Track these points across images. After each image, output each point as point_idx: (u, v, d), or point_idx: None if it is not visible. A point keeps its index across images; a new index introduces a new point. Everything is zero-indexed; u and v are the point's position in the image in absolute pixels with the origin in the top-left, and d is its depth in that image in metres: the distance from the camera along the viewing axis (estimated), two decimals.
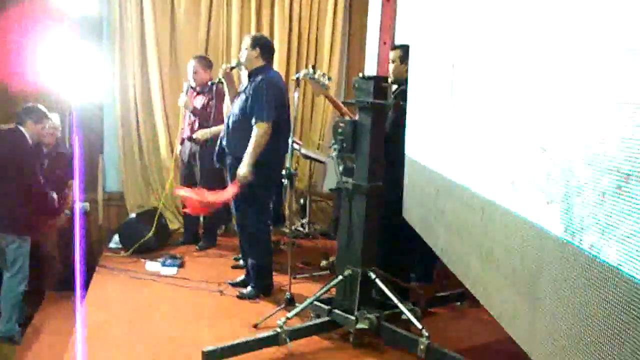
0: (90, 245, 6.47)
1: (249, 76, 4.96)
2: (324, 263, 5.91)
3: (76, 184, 5.99)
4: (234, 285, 5.23)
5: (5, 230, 4.97)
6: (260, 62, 4.94)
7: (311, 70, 4.45)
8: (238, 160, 4.78)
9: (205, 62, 6.36)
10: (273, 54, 5.20)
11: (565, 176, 1.78)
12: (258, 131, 4.72)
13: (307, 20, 7.39)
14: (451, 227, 3.17)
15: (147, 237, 6.16)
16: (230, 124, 4.96)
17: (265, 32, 7.14)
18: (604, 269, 1.55)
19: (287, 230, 6.24)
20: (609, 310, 1.52)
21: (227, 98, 5.23)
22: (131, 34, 7.04)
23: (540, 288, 1.94)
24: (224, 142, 5.02)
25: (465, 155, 2.89)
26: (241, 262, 5.62)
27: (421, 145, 3.94)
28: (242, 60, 4.97)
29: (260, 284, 5.01)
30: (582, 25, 1.75)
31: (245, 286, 5.13)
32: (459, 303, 4.90)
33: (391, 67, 4.74)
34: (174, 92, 6.95)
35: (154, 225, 6.21)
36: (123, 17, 7.02)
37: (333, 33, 7.46)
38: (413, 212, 4.12)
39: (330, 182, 7.49)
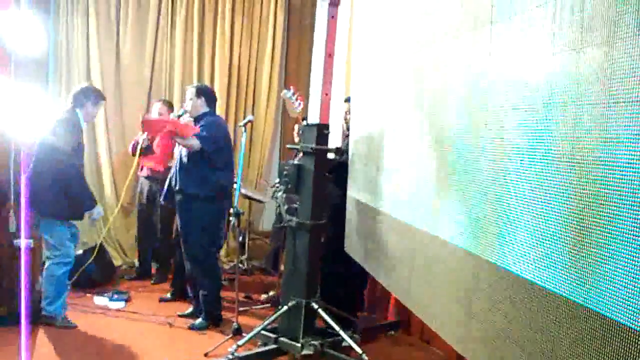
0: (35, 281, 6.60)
1: (195, 121, 5.25)
2: (264, 297, 6.22)
3: (23, 223, 6.17)
4: (183, 316, 5.48)
5: (49, 215, 5.30)
6: (205, 109, 5.31)
7: (290, 92, 4.80)
8: (188, 196, 5.15)
9: (169, 105, 6.75)
10: (216, 101, 5.53)
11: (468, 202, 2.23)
12: (194, 142, 5.01)
13: (246, 65, 7.81)
14: (392, 256, 3.60)
15: (88, 263, 6.18)
16: (179, 164, 5.26)
17: (206, 73, 7.55)
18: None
19: (226, 267, 6.58)
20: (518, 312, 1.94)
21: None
22: (77, 70, 7.28)
23: (474, 300, 2.37)
24: (173, 181, 5.30)
25: (399, 194, 3.35)
26: (169, 295, 6.05)
27: (362, 186, 4.38)
28: (188, 108, 5.29)
29: (210, 315, 5.28)
30: None
31: (194, 317, 5.39)
32: (392, 332, 5.29)
33: (348, 117, 5.19)
34: (118, 131, 7.25)
35: (94, 253, 6.35)
36: (69, 53, 7.28)
37: (270, 77, 7.89)
38: (355, 246, 4.53)
39: (267, 220, 7.82)
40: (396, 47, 3.62)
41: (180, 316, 5.49)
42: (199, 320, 5.30)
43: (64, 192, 5.22)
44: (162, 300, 5.68)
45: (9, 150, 6.85)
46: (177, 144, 5.61)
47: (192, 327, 5.25)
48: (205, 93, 5.35)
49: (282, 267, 5.77)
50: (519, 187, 2.08)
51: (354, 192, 4.63)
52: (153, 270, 6.94)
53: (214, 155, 5.11)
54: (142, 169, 6.68)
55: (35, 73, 6.88)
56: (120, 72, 7.47)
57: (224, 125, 5.49)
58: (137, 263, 7.10)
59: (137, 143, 6.34)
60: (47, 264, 5.40)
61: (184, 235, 5.28)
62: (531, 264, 2.00)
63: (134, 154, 6.46)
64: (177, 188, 5.25)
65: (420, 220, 3.01)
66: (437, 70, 2.86)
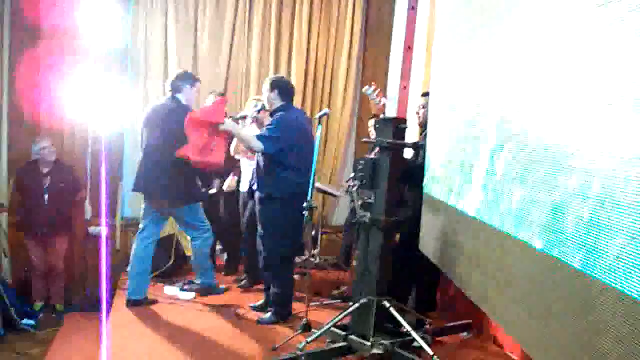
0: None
1: (271, 115, 5.21)
2: (335, 292, 6.12)
3: (103, 209, 6.31)
4: (255, 308, 5.45)
5: (179, 203, 5.55)
6: (279, 102, 5.18)
7: (371, 89, 4.68)
8: (262, 197, 5.14)
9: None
10: (291, 94, 5.31)
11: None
12: (255, 143, 4.98)
13: (323, 60, 7.75)
14: (468, 257, 3.44)
15: (167, 265, 6.46)
16: (256, 163, 5.23)
17: (283, 71, 7.49)
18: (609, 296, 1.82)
19: (299, 260, 6.52)
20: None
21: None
22: (154, 65, 7.37)
23: (553, 313, 2.21)
24: (255, 178, 5.26)
25: (483, 193, 3.17)
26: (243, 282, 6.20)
27: (440, 183, 4.22)
28: (265, 102, 5.28)
29: (279, 311, 5.21)
30: None
31: (264, 310, 5.36)
32: (465, 333, 5.13)
33: (422, 112, 5.04)
34: None
35: (172, 252, 6.47)
36: (147, 48, 7.36)
37: (347, 72, 7.81)
38: (430, 245, 4.38)
39: (341, 215, 7.75)
40: (490, 36, 3.40)
41: (252, 308, 5.47)
42: (268, 314, 5.26)
43: (196, 175, 5.54)
44: (253, 308, 5.57)
45: (87, 139, 7.02)
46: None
47: (259, 321, 5.22)
48: (279, 86, 5.18)
49: (354, 263, 5.67)
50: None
51: (431, 189, 4.48)
52: (218, 262, 6.92)
53: (281, 155, 5.00)
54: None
55: (113, 66, 7.01)
56: (197, 66, 7.50)
57: (296, 122, 5.16)
58: None
59: None
60: (194, 244, 5.76)
61: (260, 234, 5.25)
62: (624, 273, 1.83)
63: None
64: (254, 188, 5.24)
65: (503, 222, 2.85)
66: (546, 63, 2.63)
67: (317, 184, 6.75)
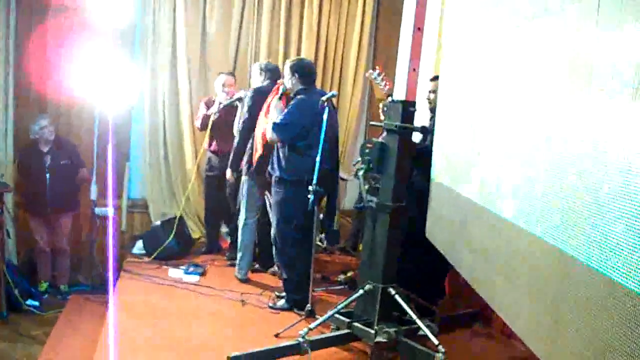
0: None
1: (292, 98, 5.19)
2: (341, 278, 6.04)
3: (109, 190, 6.27)
4: (280, 297, 5.31)
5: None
6: (299, 86, 5.16)
7: (376, 72, 4.58)
8: (276, 179, 5.10)
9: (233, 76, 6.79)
10: (311, 76, 5.31)
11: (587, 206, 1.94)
12: (270, 135, 5.03)
13: (334, 41, 7.61)
14: (477, 249, 3.32)
15: (168, 241, 6.36)
16: (275, 149, 5.18)
17: (293, 51, 7.37)
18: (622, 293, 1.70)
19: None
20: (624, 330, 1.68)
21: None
22: (163, 43, 7.27)
23: (563, 309, 2.09)
24: (273, 161, 5.21)
25: (494, 181, 3.04)
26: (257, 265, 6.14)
27: (449, 170, 4.09)
28: (288, 85, 5.22)
29: (293, 298, 5.12)
30: None
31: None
32: (476, 323, 5.03)
33: (431, 96, 4.93)
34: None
35: (173, 229, 6.41)
36: (156, 26, 7.25)
37: (358, 55, 7.68)
38: (437, 232, 4.26)
39: (349, 199, 7.65)
40: (505, 17, 3.24)
41: (278, 296, 5.34)
42: (282, 301, 5.19)
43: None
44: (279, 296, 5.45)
45: (94, 118, 6.95)
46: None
47: (271, 306, 5.16)
48: (299, 69, 5.17)
49: (361, 248, 5.58)
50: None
51: (439, 175, 4.35)
52: (225, 245, 6.85)
53: (295, 140, 5.01)
54: (210, 144, 6.61)
55: (121, 44, 6.91)
56: (206, 45, 7.41)
57: (310, 106, 5.02)
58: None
59: (207, 117, 6.33)
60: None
61: (273, 219, 5.22)
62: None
63: (203, 129, 6.45)
64: (271, 171, 5.22)
65: (514, 214, 2.71)
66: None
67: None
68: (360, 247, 5.86)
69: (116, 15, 6.71)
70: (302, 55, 7.27)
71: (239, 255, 5.84)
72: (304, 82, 5.15)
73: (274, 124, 4.99)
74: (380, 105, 5.83)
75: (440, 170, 4.29)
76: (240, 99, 5.99)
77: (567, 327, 2.07)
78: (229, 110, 6.29)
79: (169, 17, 7.23)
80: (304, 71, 5.20)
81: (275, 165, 5.11)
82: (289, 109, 5.05)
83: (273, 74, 5.85)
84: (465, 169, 3.62)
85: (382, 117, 5.75)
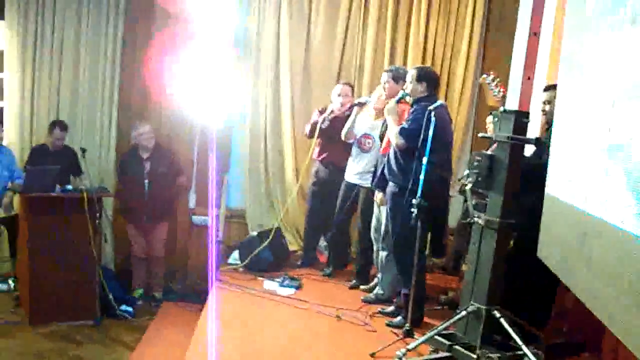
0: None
1: (412, 104, 4.97)
2: (443, 298, 5.76)
3: (212, 199, 6.26)
4: (385, 314, 5.15)
5: None
6: (424, 94, 4.94)
7: (490, 77, 4.40)
8: (400, 189, 4.82)
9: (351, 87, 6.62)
10: (436, 84, 5.16)
11: None
12: (396, 140, 4.83)
13: (441, 51, 7.35)
14: (598, 270, 3.01)
15: (260, 249, 6.26)
16: (393, 152, 4.98)
17: (399, 61, 7.16)
18: None
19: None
20: None
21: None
22: (266, 53, 7.23)
23: None
24: (386, 170, 5.02)
25: (622, 196, 2.74)
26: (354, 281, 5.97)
27: (567, 184, 3.77)
28: (408, 91, 4.98)
29: (411, 315, 4.76)
30: None
31: (394, 315, 5.06)
32: (586, 354, 4.66)
33: (547, 107, 4.60)
34: (303, 116, 7.07)
35: (269, 239, 6.31)
36: (260, 37, 7.22)
37: (467, 65, 7.37)
38: (551, 251, 3.95)
39: (453, 216, 7.34)
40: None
41: (382, 313, 5.17)
42: (399, 318, 4.94)
43: None
44: (383, 313, 5.23)
45: (196, 127, 6.97)
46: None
47: (389, 324, 4.94)
48: (428, 78, 4.96)
49: (464, 268, 5.34)
50: None
51: (555, 190, 4.02)
52: (322, 260, 6.70)
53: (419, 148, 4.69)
54: (320, 154, 6.46)
55: (224, 56, 6.91)
56: (310, 54, 7.31)
57: (445, 118, 4.89)
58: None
59: (316, 124, 6.17)
60: None
61: (393, 233, 4.97)
62: None
63: (311, 137, 6.31)
64: (388, 178, 5.02)
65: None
66: None
67: None
68: (464, 266, 5.57)
69: (221, 24, 6.72)
70: (408, 65, 7.06)
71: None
72: (429, 90, 4.94)
73: (403, 129, 4.80)
74: (489, 119, 5.54)
75: (557, 185, 3.97)
76: (360, 104, 5.84)
77: None
78: (340, 120, 6.12)
79: (273, 28, 7.20)
80: (432, 78, 5.01)
81: (392, 173, 4.93)
82: (414, 115, 4.81)
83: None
84: (588, 183, 3.31)
85: (489, 130, 5.49)
